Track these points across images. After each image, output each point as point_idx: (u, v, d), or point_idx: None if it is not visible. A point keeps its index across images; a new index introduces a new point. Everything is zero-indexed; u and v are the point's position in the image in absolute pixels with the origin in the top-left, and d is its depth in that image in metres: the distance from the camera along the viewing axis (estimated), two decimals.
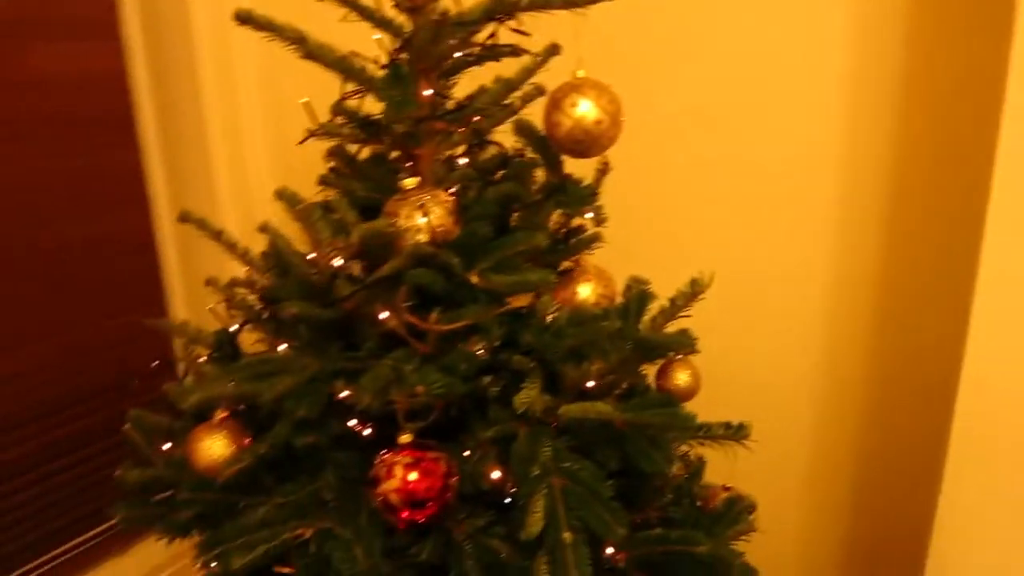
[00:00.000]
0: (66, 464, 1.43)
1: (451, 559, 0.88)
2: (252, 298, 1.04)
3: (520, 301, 0.97)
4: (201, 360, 1.07)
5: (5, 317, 1.32)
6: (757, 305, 1.43)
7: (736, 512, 0.96)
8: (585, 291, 1.01)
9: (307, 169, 1.07)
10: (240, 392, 0.87)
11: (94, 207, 1.41)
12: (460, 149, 1.00)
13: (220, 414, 0.94)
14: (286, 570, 0.93)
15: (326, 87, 0.96)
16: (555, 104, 0.85)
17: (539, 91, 0.93)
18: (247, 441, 0.94)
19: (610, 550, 0.95)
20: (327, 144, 1.02)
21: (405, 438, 0.85)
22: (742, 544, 0.99)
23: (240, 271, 1.31)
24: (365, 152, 1.01)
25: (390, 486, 0.83)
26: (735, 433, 0.94)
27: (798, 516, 1.50)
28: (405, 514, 0.84)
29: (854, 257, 1.36)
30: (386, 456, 0.84)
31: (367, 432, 0.91)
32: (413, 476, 0.83)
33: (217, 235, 0.96)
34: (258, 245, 1.03)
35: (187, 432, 0.97)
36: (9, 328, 1.32)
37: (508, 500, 0.88)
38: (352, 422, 0.91)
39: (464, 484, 0.87)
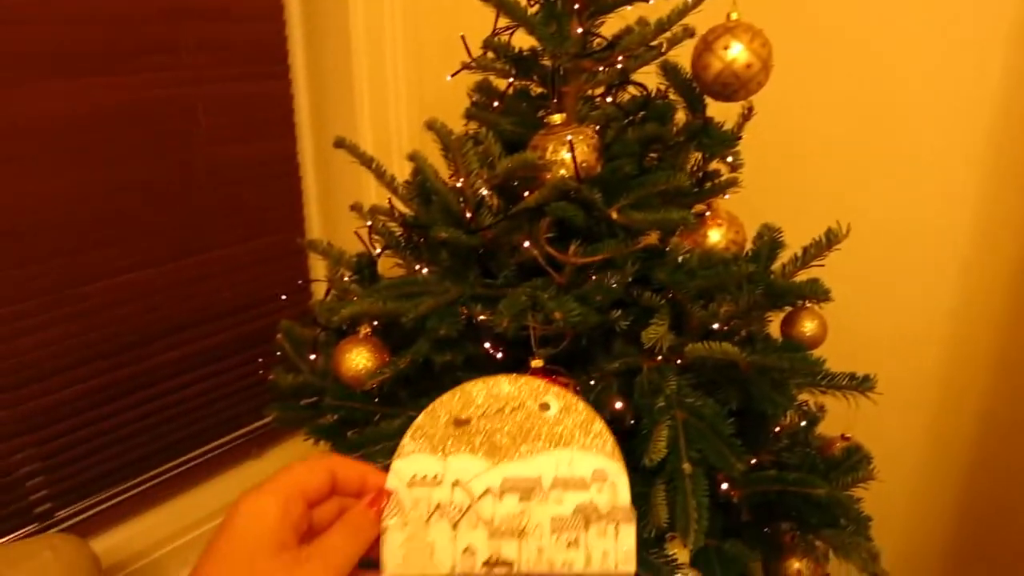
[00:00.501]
0: (226, 367, 1.56)
1: None
2: (393, 225, 1.09)
3: (652, 240, 1.00)
4: (345, 281, 1.15)
5: (171, 228, 1.43)
6: (890, 259, 1.41)
7: (854, 461, 0.97)
8: (715, 236, 1.02)
9: (440, 104, 1.11)
10: (387, 310, 0.93)
11: (245, 131, 1.50)
12: (602, 88, 1.02)
13: (364, 329, 1.01)
14: None
15: (464, 25, 1.00)
16: (707, 45, 0.86)
17: (688, 32, 0.94)
18: (388, 356, 1.00)
19: (725, 486, 0.98)
20: (461, 81, 1.05)
21: (536, 363, 0.89)
22: (857, 492, 1.00)
23: (376, 199, 1.38)
24: (510, 89, 1.04)
25: None
26: (860, 384, 0.94)
27: (915, 472, 1.49)
28: None
29: (995, 211, 1.31)
30: None
31: (500, 355, 0.96)
32: None
33: (368, 162, 1.02)
34: (400, 174, 1.08)
35: (332, 345, 1.05)
36: (172, 240, 1.43)
37: (630, 429, 0.92)
38: (487, 344, 0.96)
39: None
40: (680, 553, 0.88)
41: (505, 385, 0.55)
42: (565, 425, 0.54)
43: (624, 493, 0.52)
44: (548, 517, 0.52)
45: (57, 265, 1.29)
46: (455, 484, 0.52)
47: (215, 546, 0.47)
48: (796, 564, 1.02)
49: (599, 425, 0.54)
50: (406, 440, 0.53)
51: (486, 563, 0.51)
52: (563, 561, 0.51)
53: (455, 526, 0.52)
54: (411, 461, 0.53)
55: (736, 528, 1.03)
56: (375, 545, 0.51)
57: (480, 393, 0.55)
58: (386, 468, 0.54)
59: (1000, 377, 1.38)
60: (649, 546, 0.86)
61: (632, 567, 0.51)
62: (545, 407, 0.54)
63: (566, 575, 0.51)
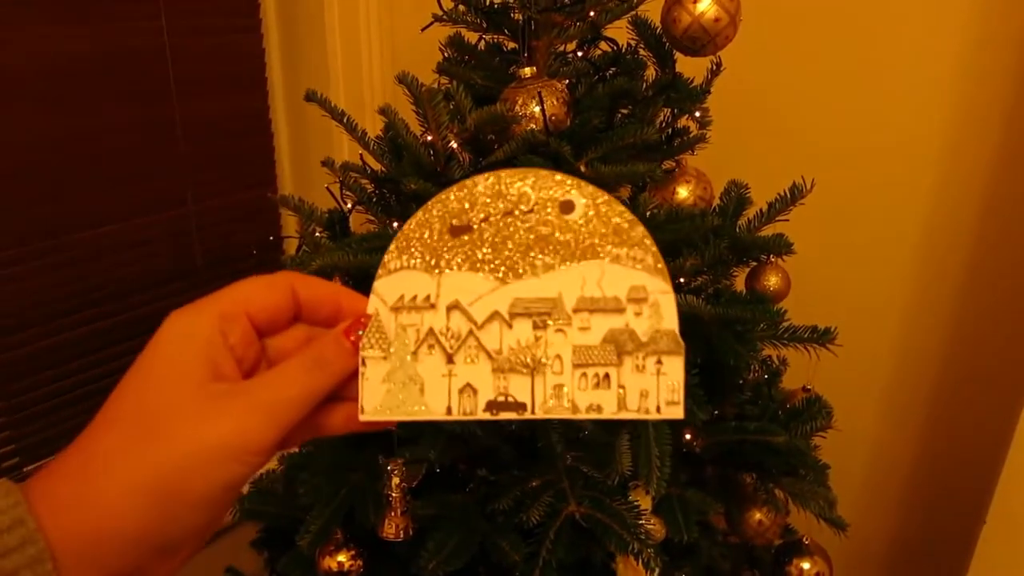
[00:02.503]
0: None
1: (537, 431, 0.94)
2: (364, 181, 1.09)
3: (621, 195, 1.01)
4: (316, 236, 1.15)
5: (141, 182, 1.41)
6: (853, 214, 1.43)
7: (814, 410, 0.99)
8: (684, 192, 1.03)
9: (413, 58, 1.11)
10: (357, 263, 0.94)
11: (216, 84, 1.48)
12: (573, 44, 1.02)
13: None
14: (389, 427, 1.01)
15: None
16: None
17: None
18: None
19: (688, 436, 1.01)
20: (433, 35, 1.05)
21: None
22: (818, 443, 1.03)
23: (349, 154, 1.38)
24: (481, 43, 1.04)
25: None
26: (820, 336, 0.96)
27: (874, 423, 1.53)
28: None
29: (958, 172, 1.34)
30: None
31: None
32: None
33: (339, 116, 1.01)
34: (373, 129, 1.08)
35: None
36: (142, 194, 1.42)
37: None
38: None
39: None
40: (643, 501, 0.90)
41: (516, 181, 0.42)
42: (594, 230, 0.42)
43: (671, 316, 0.42)
44: (570, 347, 0.41)
45: (26, 217, 1.27)
46: (452, 307, 0.42)
47: (129, 375, 0.38)
48: (758, 515, 1.05)
49: (639, 230, 0.42)
50: (390, 253, 0.42)
51: (491, 404, 0.41)
52: (589, 404, 0.41)
53: (450, 358, 0.41)
54: (397, 280, 0.42)
55: (699, 478, 1.06)
56: (352, 384, 0.41)
57: (485, 191, 0.42)
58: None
59: (958, 327, 1.42)
60: (612, 494, 0.88)
61: (680, 410, 0.41)
62: (568, 207, 0.42)
63: (593, 420, 0.43)
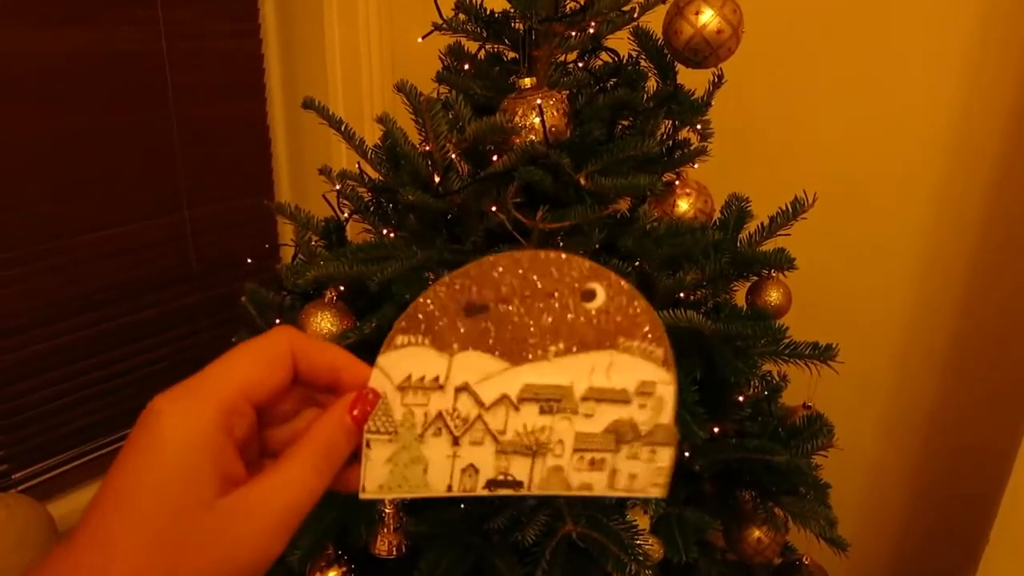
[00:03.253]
0: (192, 330, 1.54)
1: None
2: (361, 190, 1.08)
3: (620, 207, 0.99)
4: (312, 244, 1.13)
5: (138, 188, 1.40)
6: (854, 230, 1.42)
7: (815, 429, 0.98)
8: (684, 205, 1.02)
9: (413, 67, 1.10)
10: (353, 273, 0.92)
11: (215, 90, 1.47)
12: (574, 54, 1.01)
13: (330, 294, 1.00)
14: None
15: None
16: (678, 10, 0.85)
17: None
18: (353, 321, 0.99)
19: (687, 454, 0.99)
20: (433, 44, 1.04)
21: None
22: (817, 460, 1.01)
23: (347, 162, 1.37)
24: (481, 52, 1.02)
25: None
26: (822, 353, 0.95)
27: (874, 441, 1.51)
28: None
29: (960, 187, 1.33)
30: None
31: None
32: None
33: (337, 124, 1.00)
34: (371, 137, 1.07)
35: (296, 309, 1.04)
36: (138, 200, 1.40)
37: None
38: None
39: None
40: (641, 520, 0.88)
41: (539, 263, 0.41)
42: (611, 319, 0.41)
43: (669, 410, 0.42)
44: (573, 433, 0.42)
45: (20, 220, 1.26)
46: (461, 389, 0.41)
47: (127, 483, 0.34)
48: (757, 532, 1.04)
49: (654, 323, 0.42)
50: (398, 328, 0.41)
51: (490, 483, 0.42)
52: (581, 483, 0.42)
53: (456, 440, 0.41)
54: (404, 356, 0.40)
55: (698, 496, 1.05)
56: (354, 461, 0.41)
57: (504, 271, 0.41)
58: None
59: (959, 344, 1.40)
60: (610, 513, 0.87)
61: (662, 490, 0.43)
62: (589, 295, 0.41)
63: (582, 497, 0.44)
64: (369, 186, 1.06)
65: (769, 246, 1.00)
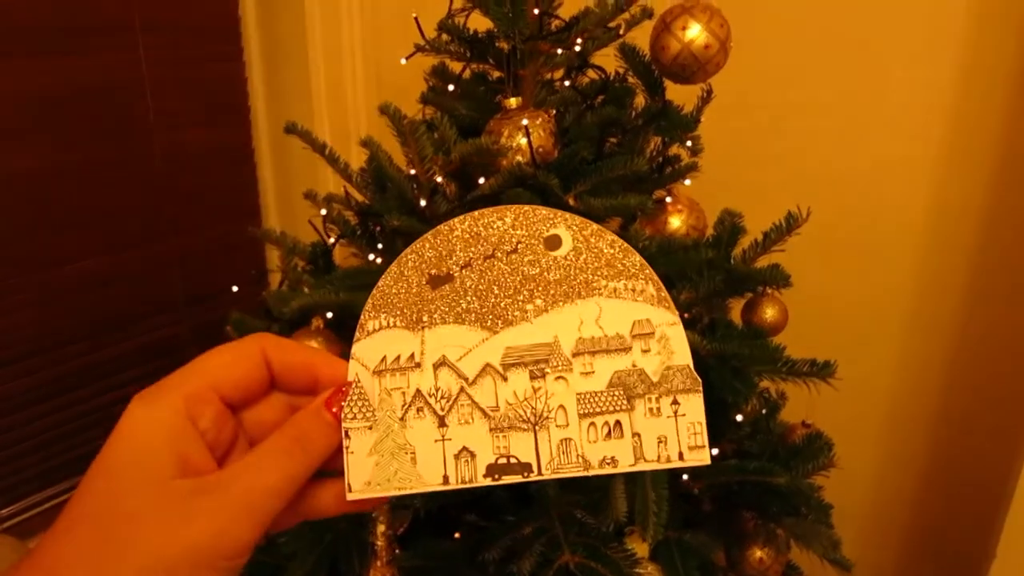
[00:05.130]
0: (178, 361, 1.51)
1: None
2: (348, 213, 1.07)
3: (612, 227, 0.98)
4: (298, 271, 1.12)
5: (122, 216, 1.38)
6: (849, 245, 1.40)
7: (815, 448, 0.96)
8: (676, 222, 1.01)
9: (398, 88, 1.08)
10: (340, 301, 0.90)
11: (198, 115, 1.45)
12: (560, 72, 1.00)
13: (317, 322, 0.98)
14: None
15: (421, 6, 0.97)
16: (665, 26, 0.84)
17: (647, 13, 0.92)
18: (340, 349, 0.98)
19: (685, 476, 0.97)
20: (419, 65, 1.02)
21: None
22: (818, 479, 0.99)
23: (333, 186, 1.35)
24: (466, 72, 1.01)
25: None
26: (820, 370, 0.93)
27: (874, 459, 1.49)
28: None
29: (955, 199, 1.32)
30: None
31: None
32: None
33: (321, 148, 0.98)
34: (354, 161, 1.05)
35: (284, 336, 1.02)
36: (122, 228, 1.38)
37: None
38: None
39: None
40: (639, 547, 0.86)
41: (495, 220, 0.39)
42: (585, 264, 0.38)
43: (682, 349, 0.38)
44: (573, 395, 0.37)
45: (1, 252, 1.24)
46: (439, 365, 0.38)
47: (90, 473, 0.34)
48: (759, 553, 1.01)
49: (635, 259, 0.39)
50: (366, 313, 0.38)
51: (491, 468, 0.37)
52: (602, 458, 0.37)
53: (442, 421, 0.37)
54: (377, 341, 0.38)
55: (697, 519, 1.02)
56: (337, 458, 0.38)
57: (462, 234, 0.39)
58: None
59: (957, 362, 1.39)
60: (608, 540, 0.85)
61: (706, 454, 0.38)
62: (554, 243, 0.39)
63: (610, 475, 0.38)
64: (356, 210, 1.05)
65: (763, 262, 0.99)
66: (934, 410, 1.43)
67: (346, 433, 0.37)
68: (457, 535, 0.92)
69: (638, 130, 0.93)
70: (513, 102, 0.87)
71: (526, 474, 0.37)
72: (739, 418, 1.01)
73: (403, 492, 0.37)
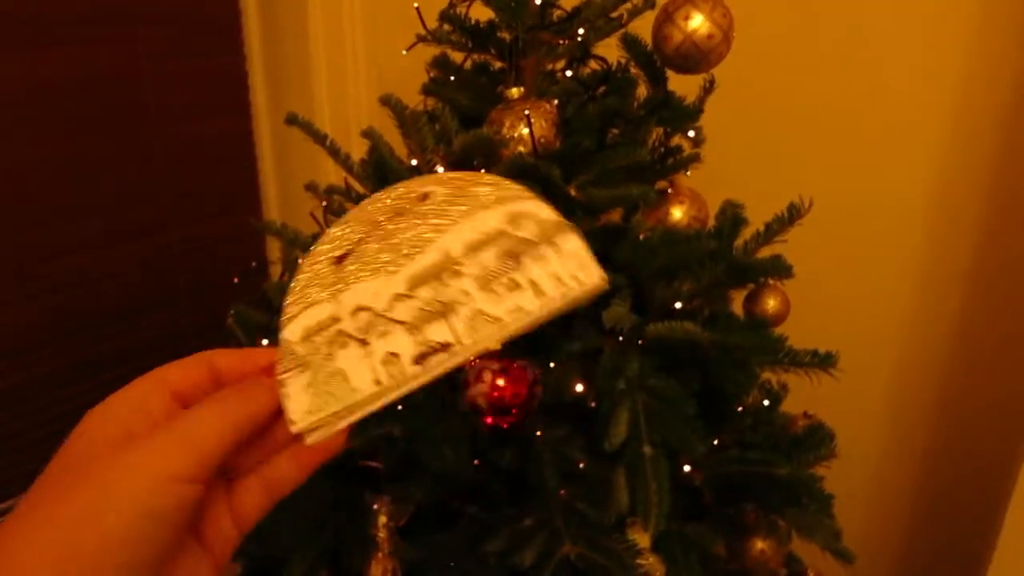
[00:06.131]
0: (179, 353, 1.51)
1: (530, 466, 0.91)
2: (349, 205, 1.06)
3: (613, 218, 0.97)
4: (299, 262, 1.11)
5: (123, 208, 1.38)
6: (851, 234, 1.40)
7: (816, 439, 0.96)
8: (678, 213, 1.00)
9: (400, 79, 1.08)
10: None
11: (198, 107, 1.45)
12: (562, 62, 0.99)
13: None
14: (374, 464, 0.98)
15: None
16: (667, 16, 0.84)
17: (649, 3, 0.91)
18: None
19: (688, 468, 0.97)
20: (421, 55, 1.02)
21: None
22: (819, 470, 0.99)
23: (334, 178, 1.34)
24: (468, 62, 1.01)
25: (478, 390, 0.85)
26: (822, 361, 0.93)
27: (876, 449, 1.49)
28: (489, 420, 0.87)
29: (956, 189, 1.31)
30: (476, 362, 0.87)
31: None
32: (501, 382, 0.85)
33: (322, 139, 0.98)
34: (355, 153, 1.05)
35: None
36: (123, 220, 1.38)
37: (591, 412, 0.90)
38: None
39: (548, 394, 0.89)
40: (641, 539, 0.86)
41: (377, 198, 0.45)
42: (455, 200, 0.44)
43: (547, 211, 0.42)
44: (472, 278, 0.41)
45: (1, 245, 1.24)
46: (356, 311, 0.42)
47: (56, 455, 0.38)
48: (760, 544, 1.01)
49: (488, 177, 0.45)
50: (286, 306, 0.42)
51: (418, 358, 0.40)
52: (510, 309, 0.40)
53: (364, 342, 0.41)
54: (299, 321, 0.42)
55: (698, 510, 1.02)
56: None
57: (351, 219, 0.44)
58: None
59: (961, 349, 1.39)
60: (609, 532, 0.84)
61: (597, 275, 0.41)
62: (425, 197, 0.44)
63: (525, 326, 0.40)
64: (357, 201, 1.04)
65: (765, 252, 0.99)
66: (935, 401, 1.43)
67: (282, 384, 0.40)
68: (458, 527, 0.92)
69: (640, 120, 0.93)
70: (515, 92, 0.86)
71: (449, 351, 0.40)
72: (740, 409, 1.01)
73: (342, 406, 0.40)
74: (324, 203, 1.07)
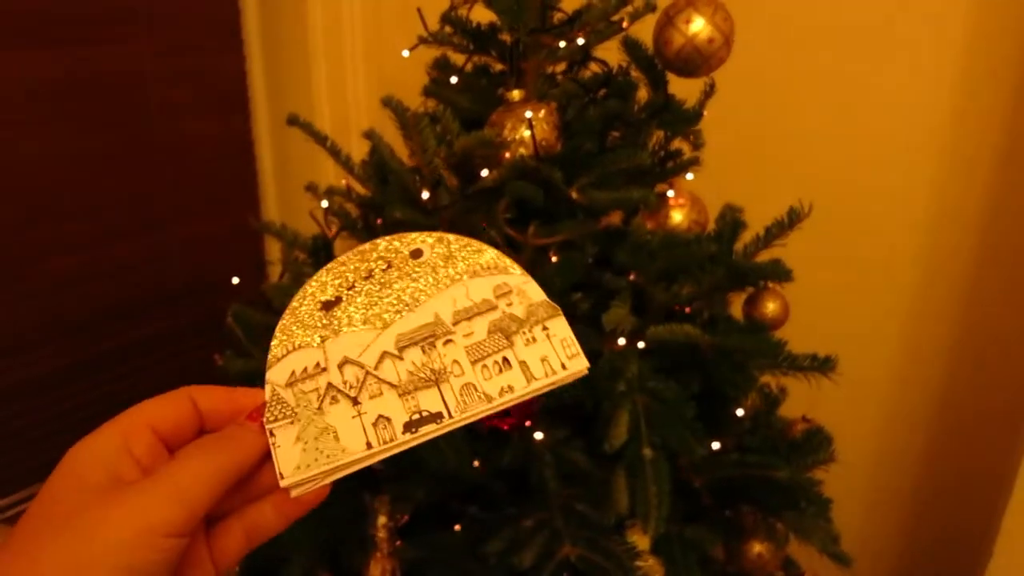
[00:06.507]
0: (176, 351, 1.51)
1: (530, 467, 0.91)
2: (349, 206, 1.06)
3: (613, 220, 0.98)
4: (299, 263, 1.12)
5: (121, 207, 1.38)
6: (849, 238, 1.40)
7: (815, 443, 0.96)
8: (678, 216, 1.00)
9: (400, 81, 1.08)
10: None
11: (198, 107, 1.45)
12: (562, 65, 0.99)
13: None
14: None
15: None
16: (668, 20, 0.84)
17: (650, 7, 0.91)
18: None
19: (687, 470, 0.97)
20: (419, 57, 1.02)
21: None
22: (818, 474, 0.99)
23: (334, 178, 1.35)
24: (468, 64, 1.01)
25: None
26: (821, 365, 0.93)
27: (874, 453, 1.50)
28: (489, 421, 0.87)
29: (955, 195, 1.32)
30: None
31: None
32: None
33: (322, 140, 0.98)
34: (358, 152, 1.05)
35: None
36: (121, 219, 1.38)
37: (591, 413, 0.90)
38: None
39: (548, 396, 0.89)
40: (640, 541, 0.86)
41: (368, 248, 0.46)
42: (448, 261, 0.45)
43: (536, 292, 0.45)
44: (462, 349, 0.43)
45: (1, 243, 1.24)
46: (343, 364, 0.43)
47: (39, 494, 0.37)
48: (757, 547, 1.01)
49: (480, 245, 0.46)
50: (272, 346, 0.43)
51: (407, 425, 0.41)
52: (501, 388, 0.42)
53: (355, 400, 0.42)
54: (285, 363, 0.43)
55: (696, 512, 1.03)
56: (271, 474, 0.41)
57: (340, 266, 0.45)
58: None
59: (957, 356, 1.39)
60: (609, 533, 0.85)
61: (582, 359, 0.44)
62: (417, 253, 0.46)
63: (513, 402, 0.42)
64: (357, 202, 1.04)
65: (765, 256, 0.99)
66: (934, 406, 1.43)
67: (271, 432, 0.41)
68: (458, 527, 0.92)
69: (641, 124, 0.93)
70: (516, 95, 0.86)
71: (439, 421, 0.42)
72: (739, 412, 1.02)
73: (332, 466, 0.40)
74: (324, 204, 1.07)
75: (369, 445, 0.41)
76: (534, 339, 0.44)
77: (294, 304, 0.44)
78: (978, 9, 1.22)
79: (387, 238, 0.46)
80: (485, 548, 0.86)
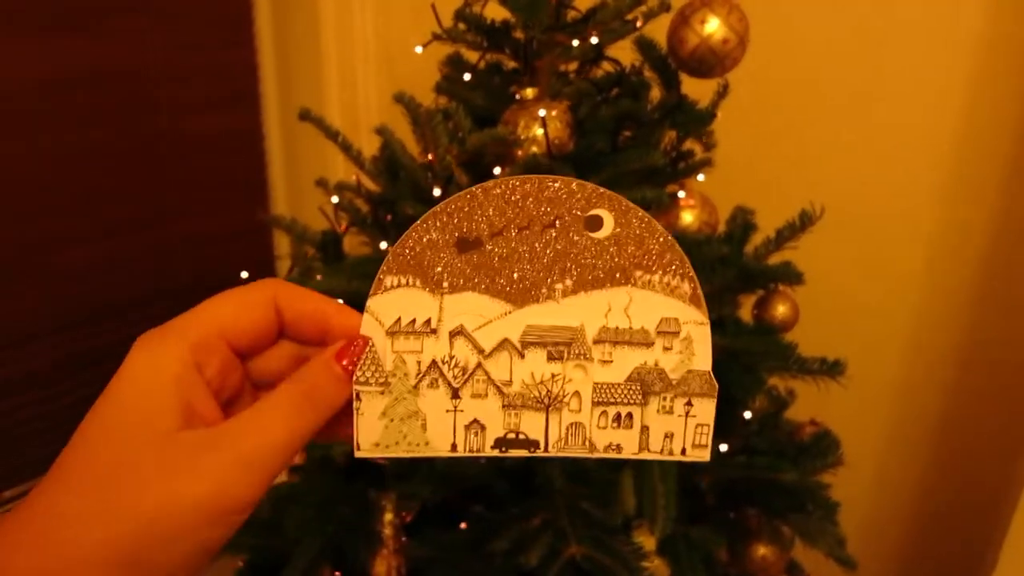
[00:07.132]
0: None
1: (537, 466, 0.91)
2: (359, 201, 1.06)
3: None
4: (308, 258, 1.11)
5: (130, 200, 1.38)
6: (859, 242, 1.40)
7: (823, 446, 0.96)
8: (689, 217, 1.00)
9: (411, 77, 1.08)
10: (351, 289, 0.90)
11: (209, 101, 1.45)
12: (575, 64, 0.99)
13: None
14: (380, 460, 0.98)
15: None
16: (683, 19, 0.84)
17: (664, 7, 0.91)
18: None
19: (694, 471, 0.97)
20: (431, 53, 1.02)
21: None
22: (825, 477, 0.99)
23: (344, 174, 1.34)
24: (482, 62, 1.01)
25: None
26: (830, 368, 0.93)
27: (881, 457, 1.49)
28: None
29: (966, 200, 1.31)
30: None
31: None
32: None
33: (334, 135, 0.98)
34: (368, 148, 1.05)
35: None
36: (130, 213, 1.38)
37: None
38: None
39: None
40: (646, 541, 0.86)
41: (535, 190, 0.37)
42: (623, 250, 0.37)
43: (705, 353, 0.38)
44: (590, 384, 0.37)
45: (2, 235, 1.23)
46: (456, 333, 0.37)
47: (88, 419, 0.33)
48: (762, 550, 1.01)
49: (676, 253, 0.37)
50: (386, 268, 0.37)
51: (499, 441, 0.37)
52: (608, 443, 0.38)
53: (456, 393, 0.37)
54: (394, 298, 0.36)
55: (701, 513, 1.02)
56: (347, 419, 0.37)
57: (496, 201, 0.36)
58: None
59: (965, 360, 1.39)
60: (615, 533, 0.85)
61: (707, 452, 0.38)
62: (595, 223, 0.37)
63: (609, 460, 0.40)
64: (367, 198, 1.04)
65: (776, 258, 0.99)
66: (942, 410, 1.43)
67: (357, 395, 0.37)
68: (464, 525, 0.92)
69: (653, 124, 0.93)
70: (529, 93, 0.86)
71: (532, 450, 0.38)
72: (747, 415, 1.01)
73: (411, 455, 0.37)
74: (335, 199, 1.07)
75: (454, 447, 0.37)
76: (671, 410, 0.38)
77: (421, 226, 0.37)
78: (991, 14, 1.22)
79: (563, 182, 0.37)
80: (491, 547, 0.86)
